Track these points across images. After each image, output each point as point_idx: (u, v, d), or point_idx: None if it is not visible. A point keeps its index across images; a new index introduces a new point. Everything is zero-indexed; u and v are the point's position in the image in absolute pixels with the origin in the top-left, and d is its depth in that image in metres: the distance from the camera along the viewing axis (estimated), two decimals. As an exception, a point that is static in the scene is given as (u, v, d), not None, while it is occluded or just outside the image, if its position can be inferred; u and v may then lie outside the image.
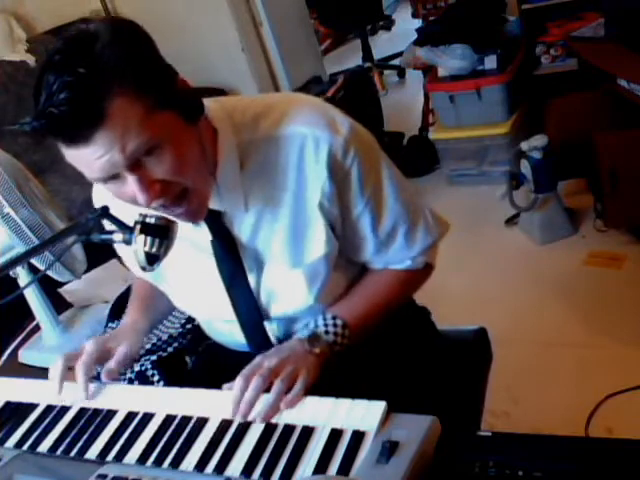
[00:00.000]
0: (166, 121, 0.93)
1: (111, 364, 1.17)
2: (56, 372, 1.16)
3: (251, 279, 1.15)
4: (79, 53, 0.88)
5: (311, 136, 1.05)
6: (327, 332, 1.11)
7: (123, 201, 0.98)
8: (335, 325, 1.12)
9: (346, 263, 1.19)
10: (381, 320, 1.20)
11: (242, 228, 1.11)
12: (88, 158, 0.90)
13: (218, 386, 1.06)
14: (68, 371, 1.17)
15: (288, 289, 1.14)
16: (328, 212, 1.09)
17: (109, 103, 0.87)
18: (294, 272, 1.12)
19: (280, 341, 1.20)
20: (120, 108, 0.88)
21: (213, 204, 1.08)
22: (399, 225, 1.16)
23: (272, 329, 1.20)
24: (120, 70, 0.88)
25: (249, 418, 0.99)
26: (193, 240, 1.13)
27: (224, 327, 1.25)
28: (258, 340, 1.20)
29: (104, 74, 0.87)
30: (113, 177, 0.93)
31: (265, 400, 1.00)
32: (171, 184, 0.96)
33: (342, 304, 1.18)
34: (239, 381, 1.02)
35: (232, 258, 1.13)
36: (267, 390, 1.01)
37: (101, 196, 1.20)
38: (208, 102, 1.05)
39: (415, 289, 1.28)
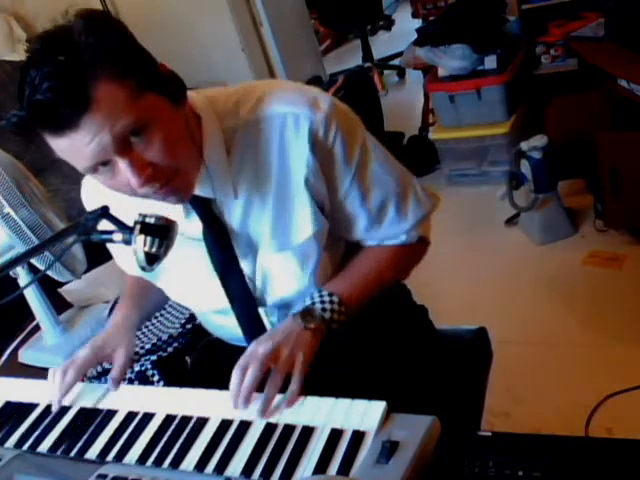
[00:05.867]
0: (152, 102, 0.93)
1: (115, 373, 1.17)
2: (55, 387, 1.16)
3: (246, 266, 1.15)
4: (57, 45, 0.88)
5: (291, 114, 1.05)
6: (324, 309, 1.10)
7: (114, 190, 0.98)
8: (332, 302, 1.11)
9: (337, 242, 1.19)
10: (375, 296, 1.18)
11: (233, 215, 1.11)
12: (78, 145, 0.90)
13: (217, 383, 1.06)
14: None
15: (282, 272, 1.14)
16: (315, 189, 1.09)
17: (93, 87, 0.87)
18: (285, 254, 1.12)
19: None
20: (105, 91, 0.88)
21: (202, 191, 1.07)
22: (389, 198, 1.15)
23: (268, 317, 1.20)
24: (100, 55, 0.88)
25: (249, 408, 0.99)
26: (185, 232, 1.12)
27: (222, 321, 1.25)
28: (254, 329, 1.20)
29: (84, 59, 0.87)
30: (104, 164, 0.93)
31: (263, 396, 1.00)
32: (161, 167, 0.96)
33: (337, 280, 1.17)
34: (235, 374, 1.02)
35: (224, 246, 1.13)
36: (265, 378, 1.01)
37: (92, 197, 1.20)
38: (189, 92, 1.05)
39: (412, 264, 1.26)
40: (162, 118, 0.94)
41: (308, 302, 1.12)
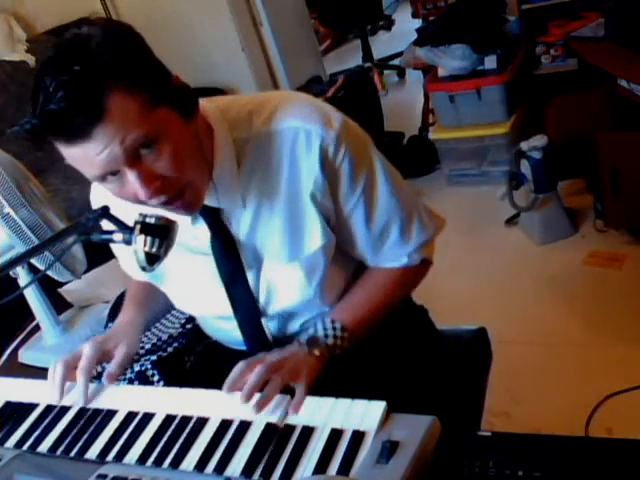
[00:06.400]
0: (163, 117, 0.94)
1: (112, 367, 1.18)
2: (56, 379, 1.16)
3: (250, 276, 1.15)
4: (74, 53, 0.89)
5: (303, 130, 1.06)
6: (326, 335, 1.12)
7: (123, 200, 0.99)
8: (334, 328, 1.13)
9: (344, 256, 1.19)
10: (380, 320, 1.20)
11: (241, 225, 1.11)
12: (89, 154, 0.90)
13: (216, 386, 1.06)
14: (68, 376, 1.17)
15: (288, 284, 1.15)
16: (321, 204, 1.09)
17: (107, 98, 0.88)
18: (292, 266, 1.13)
19: (276, 338, 1.21)
20: (118, 103, 0.89)
21: (211, 201, 1.08)
22: (393, 221, 1.16)
23: (269, 326, 1.21)
24: (115, 67, 0.89)
25: (249, 403, 0.99)
26: (192, 239, 1.13)
27: (221, 324, 1.25)
28: (255, 337, 1.21)
29: (100, 71, 0.88)
30: (113, 174, 0.94)
31: (261, 393, 1.00)
32: (171, 180, 0.96)
33: (340, 307, 1.18)
34: (240, 364, 1.03)
35: (231, 256, 1.13)
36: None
37: (100, 196, 1.20)
38: (202, 101, 1.06)
39: (414, 286, 1.27)
40: (173, 132, 0.95)
41: (312, 331, 1.14)
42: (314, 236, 1.11)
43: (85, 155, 0.91)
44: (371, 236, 1.16)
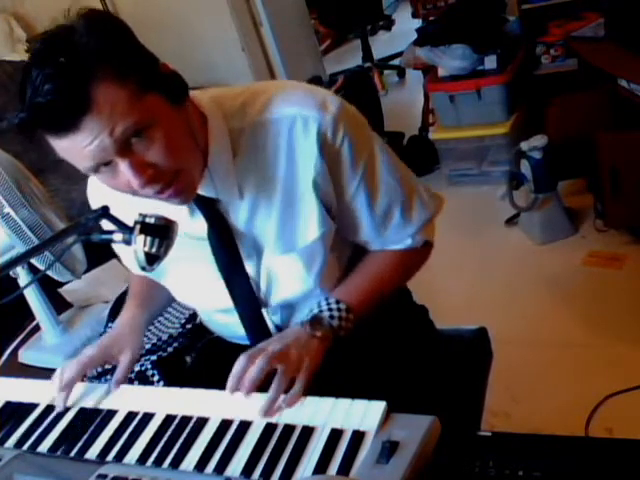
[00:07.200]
0: (152, 103, 0.93)
1: (118, 375, 1.18)
2: (61, 387, 1.16)
3: (250, 266, 1.15)
4: (58, 45, 0.89)
5: (299, 116, 1.05)
6: (332, 317, 1.10)
7: (118, 190, 0.98)
8: (339, 309, 1.11)
9: (344, 243, 1.19)
10: (382, 302, 1.19)
11: (238, 216, 1.11)
12: (78, 146, 0.90)
13: (217, 383, 1.06)
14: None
15: (287, 274, 1.14)
16: (322, 191, 1.09)
17: (93, 89, 0.87)
18: (291, 256, 1.12)
19: (279, 330, 1.20)
20: (105, 93, 0.88)
21: (208, 191, 1.07)
22: (395, 201, 1.15)
23: (271, 317, 1.20)
24: (100, 56, 0.89)
25: (243, 395, 0.99)
26: (190, 231, 1.13)
27: (223, 318, 1.25)
28: (257, 329, 1.20)
29: (85, 61, 0.88)
30: (105, 164, 0.94)
31: (267, 397, 1.00)
32: (163, 168, 0.96)
33: (345, 287, 1.17)
34: (242, 358, 1.02)
35: (228, 247, 1.13)
36: (268, 379, 1.01)
37: (97, 195, 1.20)
38: (195, 92, 1.05)
39: (417, 269, 1.26)
40: (163, 119, 0.94)
41: (316, 310, 1.12)
42: (312, 226, 1.10)
43: (75, 147, 0.91)
44: (375, 219, 1.15)
